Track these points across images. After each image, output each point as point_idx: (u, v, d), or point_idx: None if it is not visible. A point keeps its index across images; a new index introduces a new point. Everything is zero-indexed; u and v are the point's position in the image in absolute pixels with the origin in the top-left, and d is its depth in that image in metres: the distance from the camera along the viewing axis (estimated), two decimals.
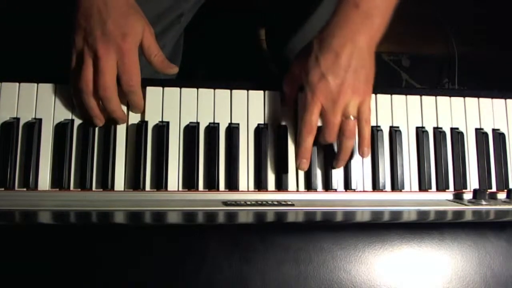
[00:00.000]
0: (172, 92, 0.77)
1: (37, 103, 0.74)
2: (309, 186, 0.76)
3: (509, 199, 0.74)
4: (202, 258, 0.50)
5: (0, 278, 0.49)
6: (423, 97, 0.82)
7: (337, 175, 0.77)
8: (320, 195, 0.76)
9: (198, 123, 0.76)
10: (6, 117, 0.73)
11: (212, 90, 0.78)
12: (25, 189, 0.72)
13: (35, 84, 0.75)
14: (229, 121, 0.77)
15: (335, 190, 0.77)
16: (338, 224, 0.59)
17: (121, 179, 0.73)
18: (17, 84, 0.74)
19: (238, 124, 0.77)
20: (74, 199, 0.71)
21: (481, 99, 0.84)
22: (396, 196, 0.78)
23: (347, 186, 0.77)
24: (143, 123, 0.74)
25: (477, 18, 1.41)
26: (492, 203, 0.72)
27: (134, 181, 0.73)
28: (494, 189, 0.81)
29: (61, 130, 0.73)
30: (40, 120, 0.74)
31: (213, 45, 1.30)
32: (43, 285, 0.49)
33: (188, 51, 1.03)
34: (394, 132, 0.79)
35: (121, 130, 0.75)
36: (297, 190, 0.76)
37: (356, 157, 0.78)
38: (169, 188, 0.73)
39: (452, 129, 0.82)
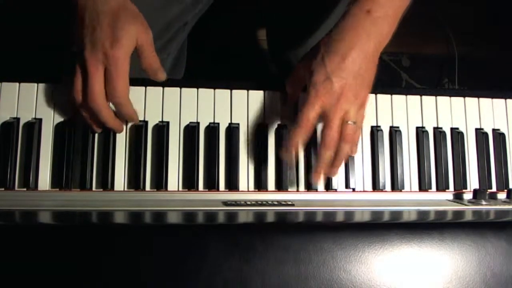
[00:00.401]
0: (172, 92, 0.77)
1: (37, 103, 0.74)
2: (309, 186, 0.76)
3: (509, 199, 0.74)
4: (202, 258, 0.50)
5: (0, 278, 0.49)
6: (423, 97, 0.82)
7: (337, 175, 0.77)
8: (320, 195, 0.76)
9: (198, 123, 0.76)
10: (6, 117, 0.73)
11: (212, 90, 0.78)
12: (25, 189, 0.72)
13: (35, 84, 0.74)
14: (229, 121, 0.77)
15: (335, 190, 0.77)
16: (338, 224, 0.59)
17: (121, 179, 0.73)
18: (17, 84, 0.74)
19: (238, 124, 0.77)
20: (74, 199, 0.71)
21: (481, 99, 0.84)
22: (396, 196, 0.78)
23: (347, 186, 0.77)
24: (143, 123, 0.74)
25: (477, 18, 1.41)
26: (492, 203, 0.72)
27: (134, 181, 0.73)
28: (494, 189, 0.81)
29: (61, 130, 0.73)
30: (40, 120, 0.74)
31: (213, 45, 1.30)
32: (43, 285, 0.49)
33: (188, 51, 1.03)
34: (394, 132, 0.79)
35: (118, 130, 0.74)
36: (297, 190, 0.76)
37: (356, 157, 0.78)
38: (169, 188, 0.73)
39: (452, 129, 0.82)
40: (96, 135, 0.74)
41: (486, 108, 0.84)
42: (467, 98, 0.84)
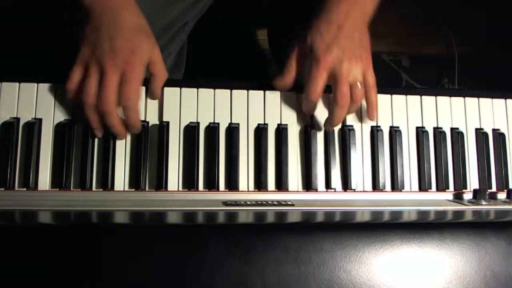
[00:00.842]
0: (172, 92, 0.77)
1: (37, 103, 0.74)
2: (309, 186, 0.76)
3: (509, 199, 0.74)
4: (202, 258, 0.50)
5: (0, 278, 0.49)
6: (423, 97, 0.82)
7: (337, 175, 0.77)
8: (320, 195, 0.76)
9: (198, 123, 0.76)
10: (6, 117, 0.73)
11: (212, 90, 0.78)
12: (25, 189, 0.71)
13: (35, 84, 0.74)
14: (229, 121, 0.77)
15: (335, 190, 0.77)
16: (338, 224, 0.59)
17: (121, 179, 0.73)
18: (17, 84, 0.74)
19: (238, 124, 0.77)
20: (74, 199, 0.71)
21: (481, 99, 0.84)
22: (396, 196, 0.78)
23: (347, 186, 0.77)
24: (143, 123, 0.74)
25: (477, 18, 1.41)
26: (492, 203, 0.72)
27: (134, 181, 0.73)
28: (494, 189, 0.81)
29: (61, 130, 0.73)
30: (40, 120, 0.74)
31: (213, 45, 1.30)
32: (43, 285, 0.49)
33: (188, 51, 1.03)
34: (394, 132, 0.79)
35: (122, 136, 0.74)
36: (297, 190, 0.76)
37: (356, 157, 0.78)
38: (169, 188, 0.73)
39: (452, 129, 0.82)
40: None
41: (486, 108, 0.84)
42: (467, 98, 0.84)
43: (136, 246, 0.51)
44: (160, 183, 0.73)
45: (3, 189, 0.71)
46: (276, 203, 0.68)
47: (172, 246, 0.51)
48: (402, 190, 0.78)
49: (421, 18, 1.38)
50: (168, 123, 0.75)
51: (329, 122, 0.77)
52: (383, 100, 0.81)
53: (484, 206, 0.71)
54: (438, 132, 0.81)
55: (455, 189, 0.80)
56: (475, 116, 0.83)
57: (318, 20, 0.75)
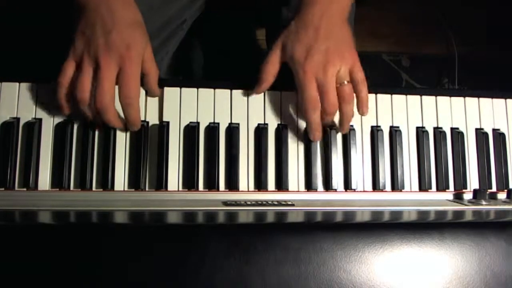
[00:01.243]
0: (172, 92, 0.77)
1: (37, 103, 0.74)
2: (309, 186, 0.76)
3: (509, 199, 0.74)
4: (202, 258, 0.50)
5: (0, 278, 0.49)
6: (423, 97, 0.82)
7: (337, 175, 0.77)
8: (320, 195, 0.76)
9: (198, 123, 0.76)
10: (6, 117, 0.73)
11: (212, 90, 0.78)
12: (25, 189, 0.72)
13: (35, 84, 0.74)
14: (229, 121, 0.77)
15: (335, 190, 0.77)
16: (338, 224, 0.59)
17: (121, 179, 0.73)
18: (17, 84, 0.74)
19: (238, 124, 0.77)
20: (74, 199, 0.71)
21: (481, 99, 0.84)
22: (396, 196, 0.78)
23: (347, 186, 0.77)
24: (143, 123, 0.74)
25: (477, 18, 1.41)
26: (492, 203, 0.72)
27: (134, 181, 0.73)
28: (494, 189, 0.81)
29: (61, 130, 0.73)
30: (40, 120, 0.74)
31: (212, 44, 1.30)
32: (43, 285, 0.49)
33: (187, 51, 1.03)
34: (394, 132, 0.79)
35: (121, 130, 0.74)
36: (297, 190, 0.76)
37: (356, 157, 0.78)
38: (169, 188, 0.73)
39: (452, 129, 0.82)
40: (96, 134, 0.73)
41: (486, 108, 0.84)
42: (467, 98, 0.84)
43: (136, 246, 0.51)
44: (160, 183, 0.73)
45: (3, 189, 0.71)
46: (276, 203, 0.68)
47: (172, 246, 0.51)
48: (402, 190, 0.78)
49: (421, 18, 1.38)
50: (168, 123, 0.75)
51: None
52: (383, 100, 0.81)
53: (484, 206, 0.71)
54: (438, 132, 0.81)
55: (455, 189, 0.80)
56: (475, 116, 0.83)
57: (294, 25, 0.74)
